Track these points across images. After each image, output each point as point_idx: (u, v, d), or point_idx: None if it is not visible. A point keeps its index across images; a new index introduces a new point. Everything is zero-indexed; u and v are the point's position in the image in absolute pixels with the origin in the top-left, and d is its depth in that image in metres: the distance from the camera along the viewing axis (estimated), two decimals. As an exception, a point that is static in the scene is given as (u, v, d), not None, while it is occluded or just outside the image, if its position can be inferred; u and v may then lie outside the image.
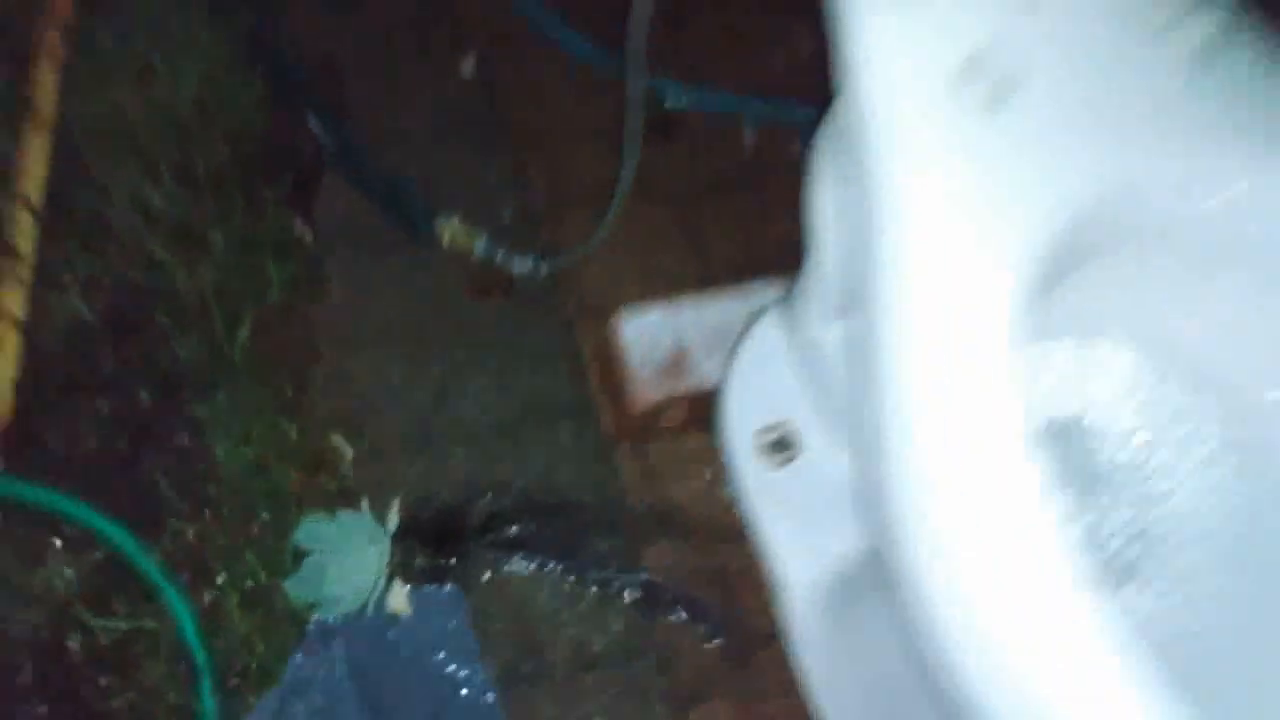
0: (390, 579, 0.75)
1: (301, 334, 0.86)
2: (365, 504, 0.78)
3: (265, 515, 0.77)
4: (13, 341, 0.80)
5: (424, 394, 0.86)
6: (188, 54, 0.92)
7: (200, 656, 0.71)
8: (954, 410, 0.45)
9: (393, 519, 0.77)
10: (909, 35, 0.51)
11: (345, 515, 0.77)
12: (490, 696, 0.72)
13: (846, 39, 0.51)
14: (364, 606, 0.73)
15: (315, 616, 0.73)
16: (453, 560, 0.77)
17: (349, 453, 0.82)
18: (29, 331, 0.81)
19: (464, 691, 0.73)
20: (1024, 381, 0.46)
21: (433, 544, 0.77)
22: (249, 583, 0.75)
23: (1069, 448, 0.58)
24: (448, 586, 0.75)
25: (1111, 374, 0.58)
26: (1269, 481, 0.56)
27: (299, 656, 0.72)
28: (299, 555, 0.75)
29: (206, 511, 0.77)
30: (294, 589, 0.73)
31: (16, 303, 0.82)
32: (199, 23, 0.94)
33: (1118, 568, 0.56)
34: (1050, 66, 0.51)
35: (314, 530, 0.76)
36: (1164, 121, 0.52)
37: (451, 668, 0.73)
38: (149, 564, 0.73)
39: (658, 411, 0.87)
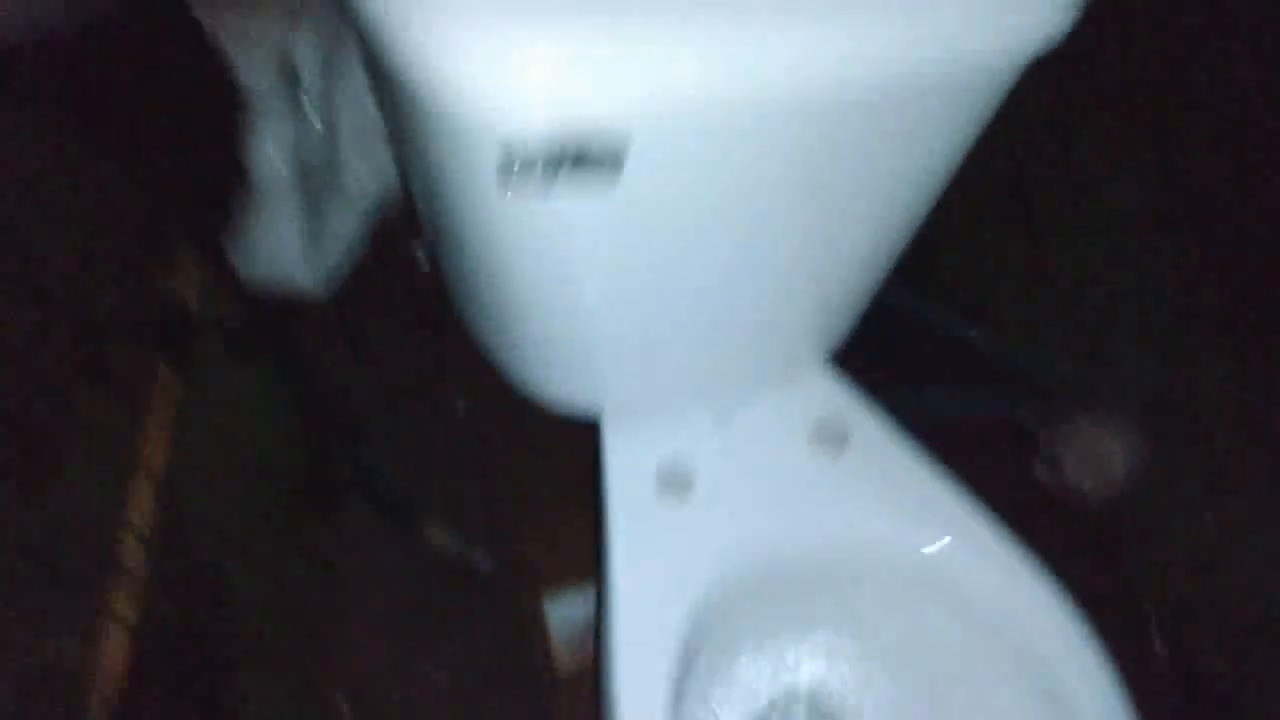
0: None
1: (319, 609, 1.19)
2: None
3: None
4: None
5: (408, 660, 1.16)
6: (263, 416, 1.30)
7: None
8: None
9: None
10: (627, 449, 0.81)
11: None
12: None
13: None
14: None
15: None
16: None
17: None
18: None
19: None
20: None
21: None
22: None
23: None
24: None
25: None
26: None
27: None
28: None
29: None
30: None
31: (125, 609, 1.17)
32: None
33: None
34: (723, 473, 0.80)
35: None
36: (813, 501, 0.79)
37: None
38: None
39: (582, 678, 1.14)
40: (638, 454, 0.80)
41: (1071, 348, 1.45)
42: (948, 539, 0.77)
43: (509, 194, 0.58)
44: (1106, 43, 1.22)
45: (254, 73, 1.07)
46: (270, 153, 1.21)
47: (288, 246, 1.31)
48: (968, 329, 1.45)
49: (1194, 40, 1.16)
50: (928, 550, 0.77)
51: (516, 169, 0.56)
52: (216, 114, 1.11)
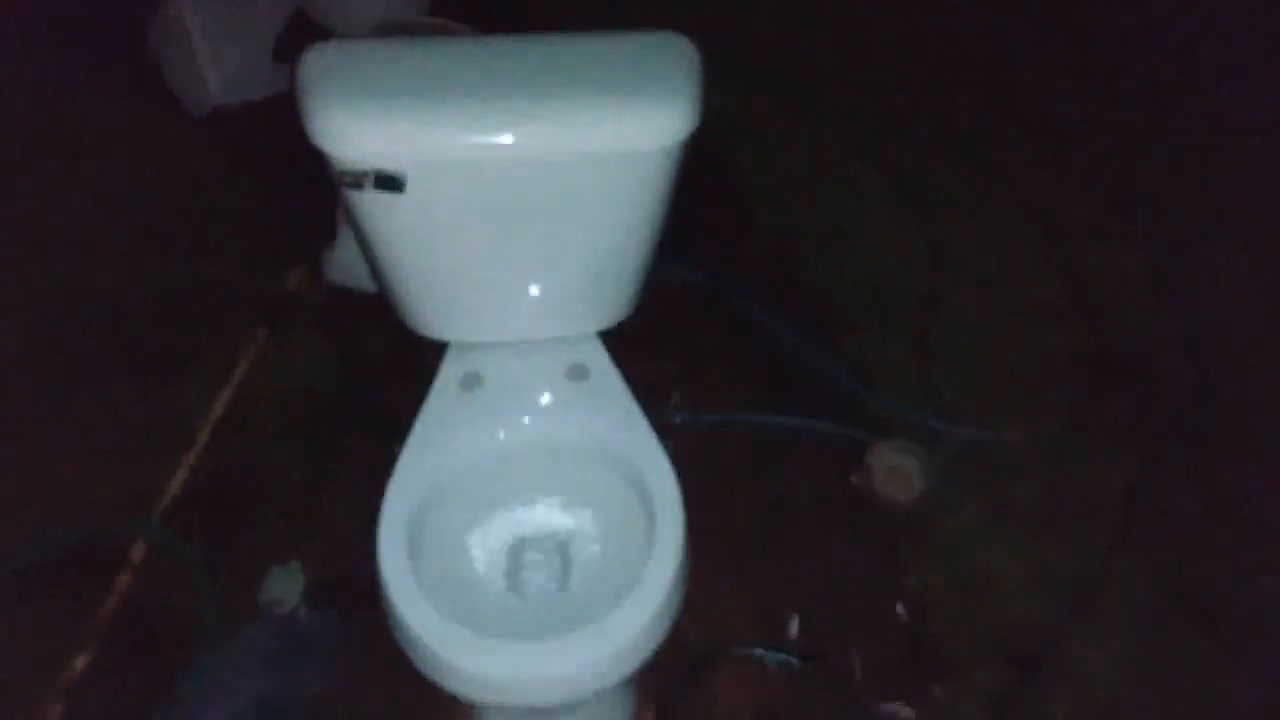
0: None
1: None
2: None
3: None
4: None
5: None
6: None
7: None
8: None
9: None
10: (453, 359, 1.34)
11: None
12: None
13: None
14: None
15: None
16: None
17: None
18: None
19: None
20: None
21: None
22: None
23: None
24: None
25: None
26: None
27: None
28: None
29: None
30: None
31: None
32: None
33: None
34: (505, 383, 1.31)
35: None
36: (559, 409, 1.30)
37: None
38: None
39: None
40: (456, 363, 1.33)
41: (925, 397, 1.86)
42: (630, 434, 1.26)
43: (347, 192, 1.15)
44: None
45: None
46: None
47: (356, 261, 1.94)
48: (829, 365, 1.90)
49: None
50: (616, 441, 1.26)
51: (346, 180, 1.14)
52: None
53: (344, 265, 1.94)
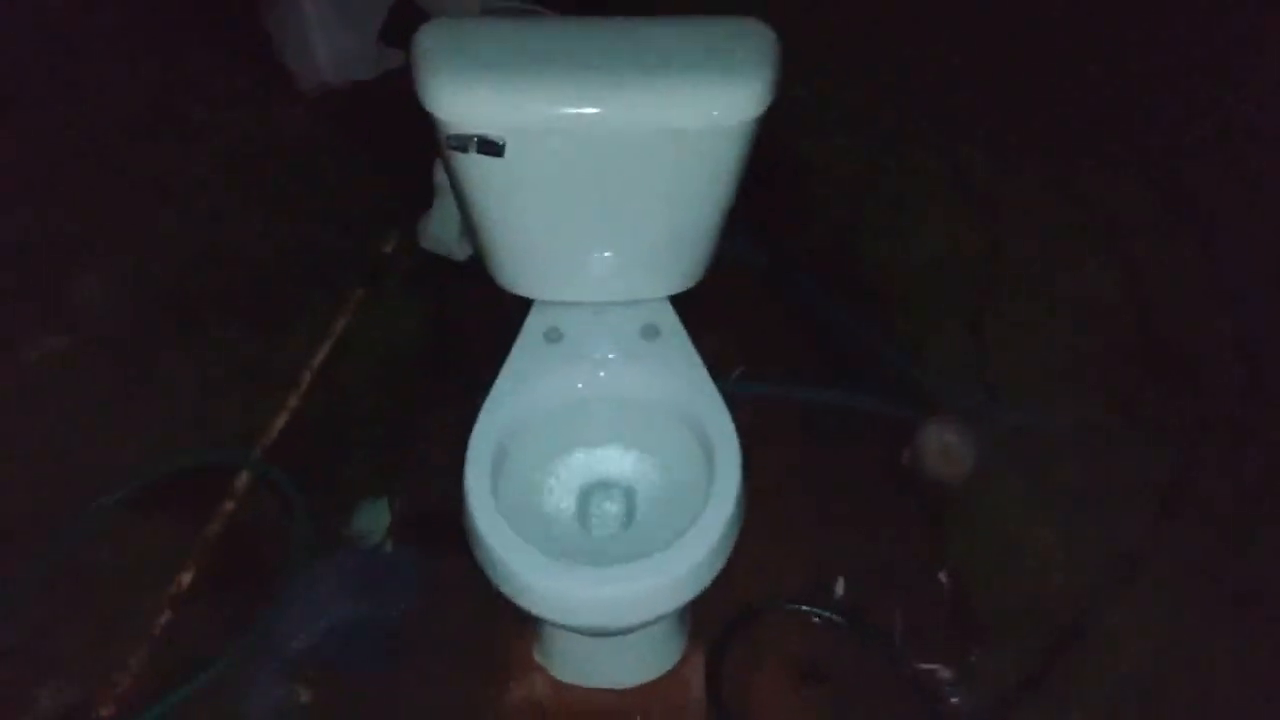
0: None
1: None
2: None
3: None
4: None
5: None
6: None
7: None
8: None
9: None
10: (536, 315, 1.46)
11: None
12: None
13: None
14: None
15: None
16: None
17: None
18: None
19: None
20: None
21: None
22: None
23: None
24: None
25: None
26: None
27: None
28: None
29: None
30: None
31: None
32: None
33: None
34: (584, 338, 1.44)
35: None
36: (631, 365, 1.42)
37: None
38: None
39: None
40: (540, 318, 1.46)
41: (978, 380, 1.94)
42: (696, 390, 1.37)
43: (451, 154, 1.29)
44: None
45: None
46: (444, 174, 1.97)
47: (449, 230, 2.08)
48: (884, 345, 1.99)
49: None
50: (683, 395, 1.38)
51: (453, 143, 1.27)
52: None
53: (436, 234, 2.08)
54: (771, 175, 2.32)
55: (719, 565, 1.27)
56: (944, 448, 1.81)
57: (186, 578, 1.64)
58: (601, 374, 1.44)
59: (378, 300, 2.07)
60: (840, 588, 1.66)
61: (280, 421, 1.85)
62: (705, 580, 1.26)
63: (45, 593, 1.61)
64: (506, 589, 1.24)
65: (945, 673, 1.58)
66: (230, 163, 2.32)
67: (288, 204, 2.23)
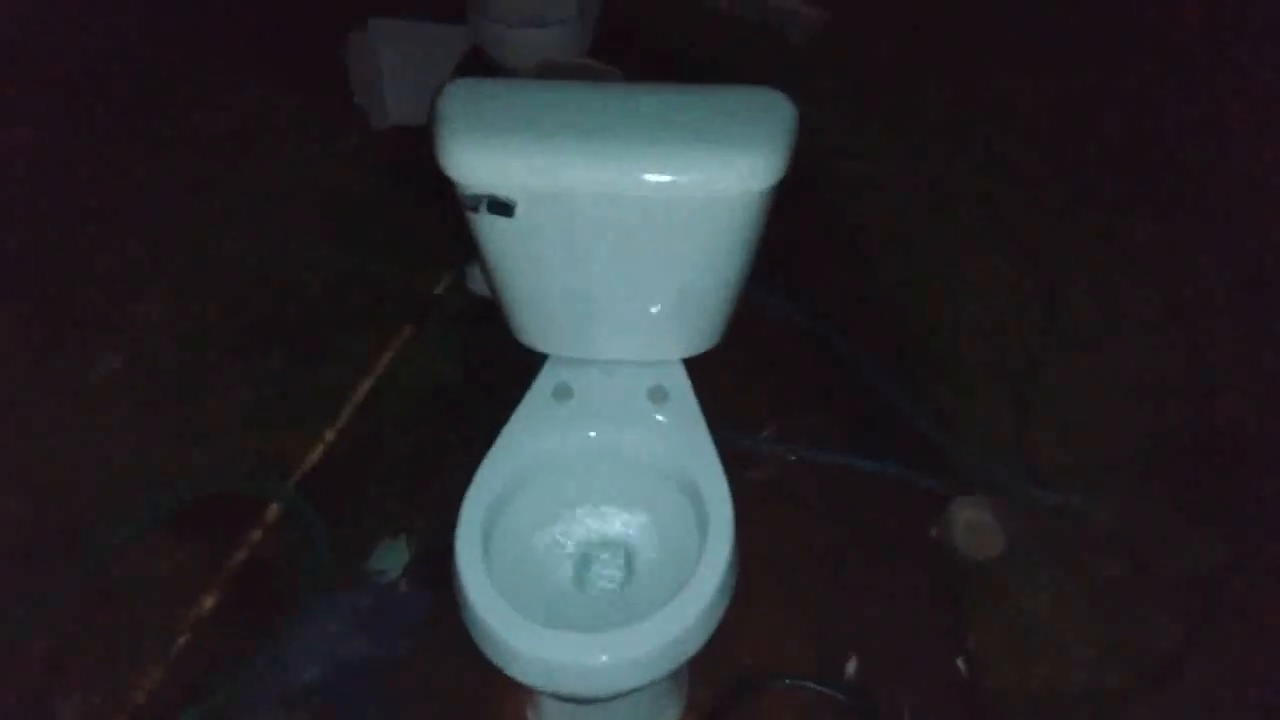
0: None
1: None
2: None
3: None
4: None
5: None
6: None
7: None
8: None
9: None
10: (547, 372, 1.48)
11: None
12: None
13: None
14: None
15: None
16: None
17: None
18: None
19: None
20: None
21: None
22: None
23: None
24: None
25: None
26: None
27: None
28: None
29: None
30: None
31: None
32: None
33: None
34: (592, 397, 1.44)
35: None
36: (636, 426, 1.42)
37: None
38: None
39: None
40: (551, 374, 1.47)
41: (1018, 456, 1.88)
42: (697, 457, 1.36)
43: (467, 212, 1.31)
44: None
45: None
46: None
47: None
48: (919, 413, 1.94)
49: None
50: (683, 461, 1.37)
51: (465, 202, 1.29)
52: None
53: (485, 280, 2.12)
54: (817, 233, 2.30)
55: (702, 639, 1.25)
56: (975, 526, 1.75)
57: (209, 602, 1.69)
58: (605, 432, 1.43)
59: (423, 340, 2.12)
60: (852, 667, 1.62)
61: (316, 454, 1.90)
62: (687, 652, 1.24)
63: (74, 606, 1.68)
64: (489, 653, 1.24)
65: (952, 766, 1.52)
66: (296, 194, 2.41)
67: (345, 238, 2.30)
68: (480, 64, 2.48)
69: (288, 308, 2.16)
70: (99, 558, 1.73)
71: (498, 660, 1.24)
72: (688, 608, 1.22)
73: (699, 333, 1.49)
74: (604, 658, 1.21)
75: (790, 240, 2.25)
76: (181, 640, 1.64)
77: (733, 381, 1.98)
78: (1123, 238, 2.26)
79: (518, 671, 1.24)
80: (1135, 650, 1.62)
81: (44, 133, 2.53)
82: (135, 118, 2.61)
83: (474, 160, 1.28)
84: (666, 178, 1.26)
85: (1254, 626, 1.64)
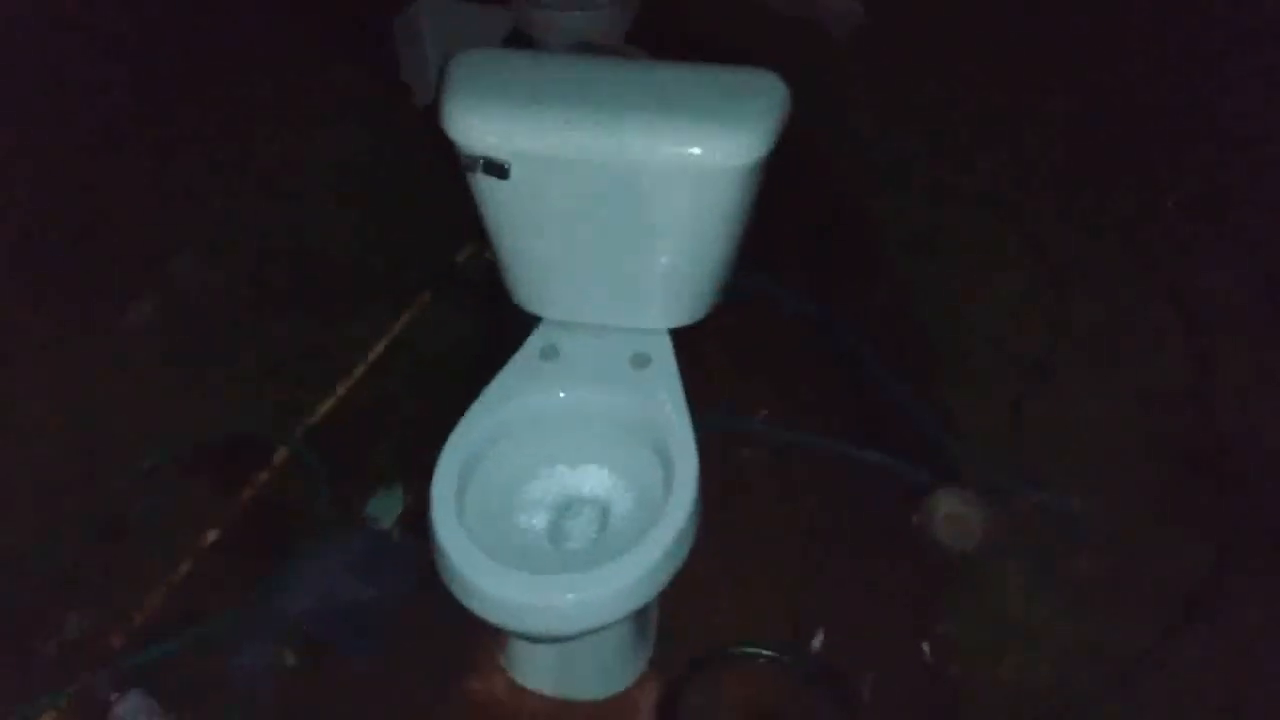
0: None
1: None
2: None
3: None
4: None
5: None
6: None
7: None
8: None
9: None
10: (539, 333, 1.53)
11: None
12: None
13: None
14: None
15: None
16: None
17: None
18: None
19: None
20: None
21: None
22: None
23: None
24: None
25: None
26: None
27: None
28: None
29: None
30: None
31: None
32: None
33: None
34: (578, 359, 1.50)
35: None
36: (618, 389, 1.47)
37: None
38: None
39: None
40: (542, 336, 1.53)
41: (1010, 453, 1.89)
42: (671, 422, 1.41)
43: (467, 172, 1.38)
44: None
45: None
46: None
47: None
48: (915, 407, 1.96)
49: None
50: (658, 425, 1.42)
51: (463, 163, 1.36)
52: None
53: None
54: (833, 226, 2.34)
55: (653, 589, 1.31)
56: (954, 516, 1.77)
57: (212, 535, 1.78)
58: (586, 393, 1.49)
59: (441, 305, 2.19)
60: (818, 641, 1.65)
61: (326, 406, 1.99)
62: (634, 601, 1.30)
63: (88, 533, 1.78)
64: (457, 592, 1.30)
65: (908, 745, 1.55)
66: (334, 161, 2.50)
67: (378, 205, 2.39)
68: (522, 45, 2.55)
69: (313, 269, 2.25)
70: (117, 490, 1.84)
71: (464, 599, 1.30)
72: (649, 550, 1.28)
73: (684, 304, 1.54)
74: (569, 596, 1.27)
75: (808, 233, 2.30)
76: (183, 570, 1.74)
77: (734, 366, 2.03)
78: (1147, 255, 2.25)
79: (483, 610, 1.29)
80: (1105, 650, 1.63)
81: (104, 98, 2.65)
82: (184, 83, 2.72)
83: (469, 122, 1.35)
84: (651, 147, 1.32)
85: (1228, 634, 1.64)
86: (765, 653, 1.62)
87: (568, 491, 1.48)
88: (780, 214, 2.09)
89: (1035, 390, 1.99)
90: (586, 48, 2.35)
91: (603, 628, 1.32)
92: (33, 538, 1.76)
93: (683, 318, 1.55)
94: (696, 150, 1.31)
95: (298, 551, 1.75)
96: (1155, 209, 2.35)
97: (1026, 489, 1.82)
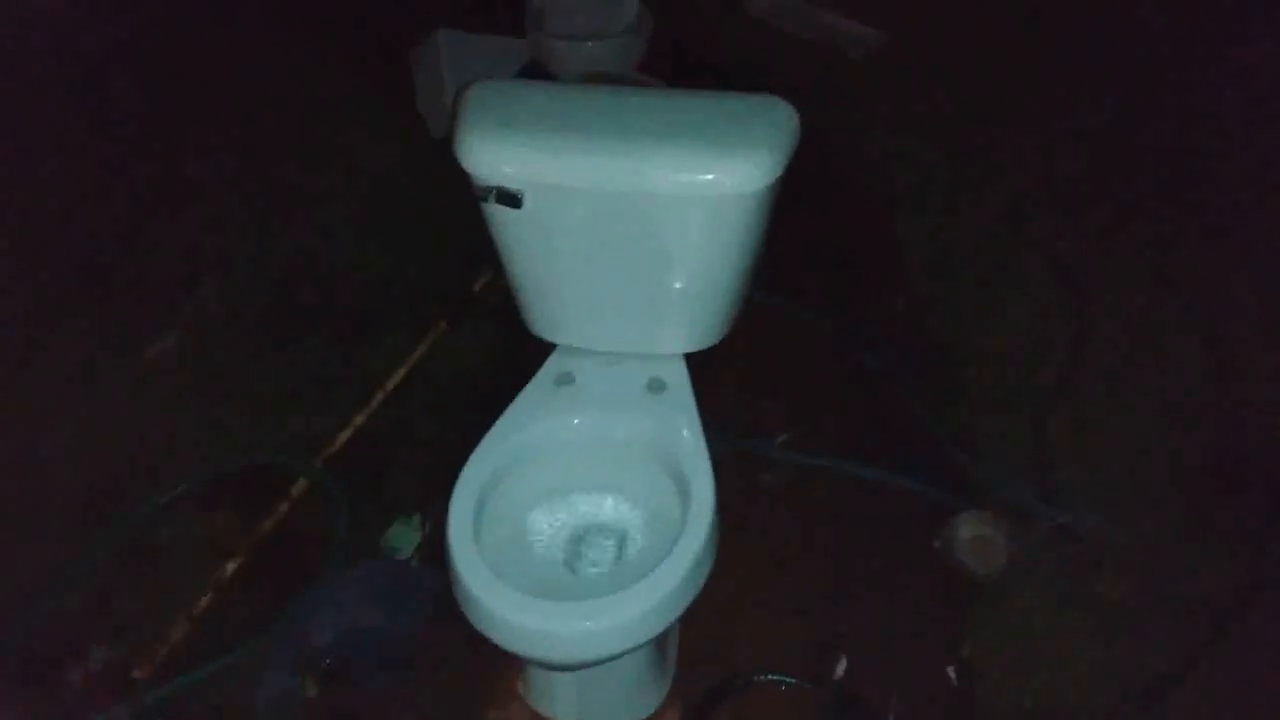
0: None
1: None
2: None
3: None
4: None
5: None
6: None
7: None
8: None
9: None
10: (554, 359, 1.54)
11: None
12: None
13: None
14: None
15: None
16: None
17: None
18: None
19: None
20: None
21: None
22: None
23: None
24: None
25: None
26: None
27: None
28: None
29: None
30: None
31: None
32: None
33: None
34: (593, 385, 1.50)
35: None
36: (633, 414, 1.47)
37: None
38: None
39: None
40: (557, 362, 1.53)
41: (1033, 473, 1.88)
42: (687, 448, 1.41)
43: (481, 201, 1.39)
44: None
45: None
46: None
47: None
48: (937, 428, 1.95)
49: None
50: (674, 452, 1.41)
51: (477, 193, 1.38)
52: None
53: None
54: (852, 247, 2.33)
55: (670, 615, 1.30)
56: (978, 539, 1.76)
57: (232, 566, 1.79)
58: (602, 419, 1.49)
59: (457, 334, 2.20)
60: (841, 669, 1.64)
61: (345, 435, 2.00)
62: (652, 628, 1.29)
63: (111, 564, 1.79)
64: (473, 619, 1.30)
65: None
66: (353, 191, 2.53)
67: (394, 234, 2.41)
68: (538, 76, 2.58)
69: (332, 300, 2.27)
70: (139, 521, 1.85)
71: (482, 627, 1.30)
72: (667, 577, 1.28)
73: (700, 329, 1.54)
74: (587, 623, 1.26)
75: (827, 254, 2.30)
76: (205, 601, 1.74)
77: (754, 388, 2.03)
78: (1161, 262, 2.24)
79: (501, 638, 1.29)
80: (1132, 672, 1.61)
81: (128, 131, 2.69)
82: (206, 116, 2.75)
83: (482, 152, 1.36)
84: (663, 175, 1.32)
85: (1257, 655, 1.61)
86: (788, 680, 1.61)
87: (585, 518, 1.48)
88: (799, 236, 2.10)
89: (1056, 410, 1.97)
90: (600, 78, 2.36)
91: (621, 655, 1.31)
92: (57, 570, 1.77)
93: (697, 342, 1.55)
94: (709, 177, 1.32)
95: (318, 582, 1.75)
96: (1175, 226, 2.33)
97: (1050, 510, 1.80)
